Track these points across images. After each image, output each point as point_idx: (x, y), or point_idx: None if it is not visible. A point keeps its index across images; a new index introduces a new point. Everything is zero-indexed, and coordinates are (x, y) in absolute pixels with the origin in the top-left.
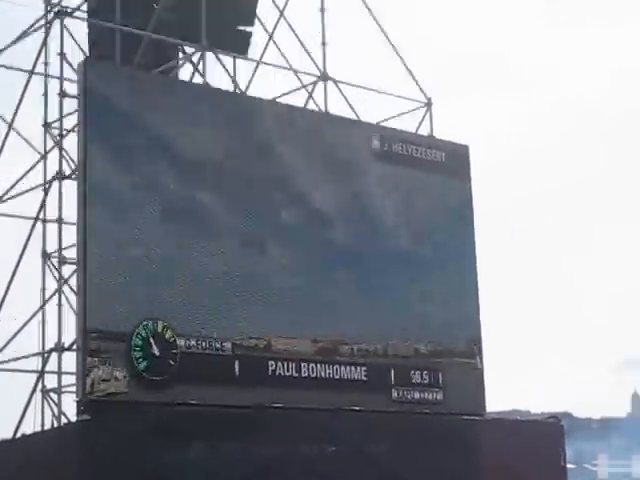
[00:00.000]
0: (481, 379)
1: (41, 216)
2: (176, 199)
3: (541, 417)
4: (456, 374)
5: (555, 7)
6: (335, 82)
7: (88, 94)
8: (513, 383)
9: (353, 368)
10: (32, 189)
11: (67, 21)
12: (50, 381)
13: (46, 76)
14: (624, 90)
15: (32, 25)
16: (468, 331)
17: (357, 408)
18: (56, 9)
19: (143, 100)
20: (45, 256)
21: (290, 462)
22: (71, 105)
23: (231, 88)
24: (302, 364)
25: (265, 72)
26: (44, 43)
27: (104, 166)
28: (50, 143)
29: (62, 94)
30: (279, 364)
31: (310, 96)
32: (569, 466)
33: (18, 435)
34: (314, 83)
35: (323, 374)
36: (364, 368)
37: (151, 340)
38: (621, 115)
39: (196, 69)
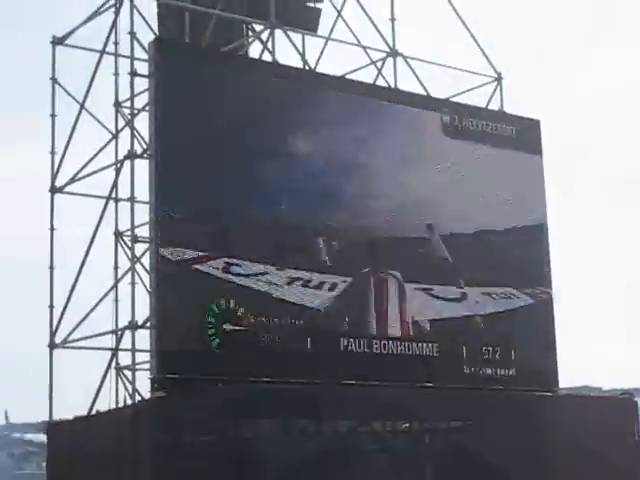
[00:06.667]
0: (554, 355)
1: (113, 195)
2: (246, 176)
3: (613, 393)
4: (528, 350)
5: None
6: (404, 58)
7: (158, 73)
8: (584, 359)
9: (424, 345)
10: (104, 168)
11: (137, 0)
12: (124, 359)
13: (117, 56)
14: None
15: (102, 5)
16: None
17: (430, 384)
18: None
19: (212, 78)
20: (117, 235)
21: (362, 439)
22: (142, 84)
23: (300, 65)
24: (374, 341)
25: (334, 49)
26: (114, 23)
27: (174, 145)
28: (121, 122)
29: (133, 73)
30: (351, 340)
31: (379, 73)
32: None
33: (93, 412)
34: (383, 59)
35: (394, 351)
36: (436, 345)
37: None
38: None
39: (265, 47)
